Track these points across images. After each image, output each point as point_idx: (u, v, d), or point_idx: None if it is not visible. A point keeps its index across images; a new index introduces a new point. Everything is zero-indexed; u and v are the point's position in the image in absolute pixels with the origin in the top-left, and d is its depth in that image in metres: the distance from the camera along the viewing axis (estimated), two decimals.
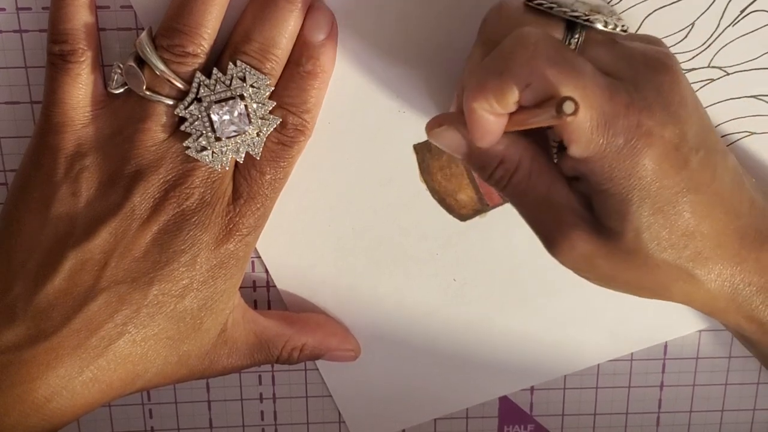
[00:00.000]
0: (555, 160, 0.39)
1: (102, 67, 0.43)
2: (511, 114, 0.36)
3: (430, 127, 0.40)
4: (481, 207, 0.47)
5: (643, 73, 0.36)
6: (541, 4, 0.37)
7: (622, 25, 0.37)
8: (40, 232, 0.42)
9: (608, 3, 0.43)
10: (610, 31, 0.37)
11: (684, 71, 0.44)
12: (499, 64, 0.35)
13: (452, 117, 0.39)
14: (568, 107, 0.33)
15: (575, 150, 0.36)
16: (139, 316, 0.42)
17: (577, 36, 0.37)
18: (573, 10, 0.36)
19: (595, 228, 0.38)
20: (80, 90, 0.42)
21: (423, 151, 0.46)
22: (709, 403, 0.53)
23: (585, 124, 0.35)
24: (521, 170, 0.39)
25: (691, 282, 0.38)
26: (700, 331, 0.51)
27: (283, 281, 0.49)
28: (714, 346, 0.52)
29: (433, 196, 0.47)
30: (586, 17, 0.36)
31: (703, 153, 0.37)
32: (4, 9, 0.43)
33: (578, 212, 0.38)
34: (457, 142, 0.40)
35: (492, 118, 0.36)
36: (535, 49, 0.35)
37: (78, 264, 0.41)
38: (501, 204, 0.47)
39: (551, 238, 0.39)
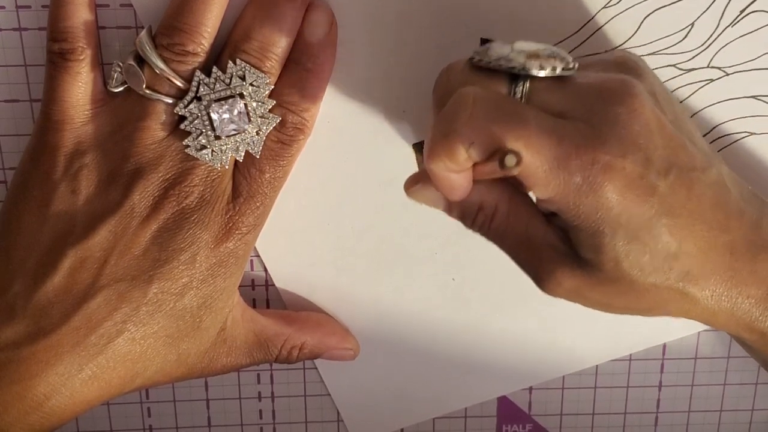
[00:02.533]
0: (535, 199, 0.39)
1: (102, 66, 0.43)
2: (473, 166, 0.37)
3: (408, 187, 0.41)
4: None
5: (596, 108, 0.36)
6: (480, 61, 0.38)
7: (565, 65, 0.37)
8: (40, 230, 0.42)
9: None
10: (549, 75, 0.37)
11: (681, 71, 0.44)
12: (443, 126, 0.36)
13: (425, 175, 0.39)
14: (509, 160, 0.34)
15: (537, 193, 0.36)
16: (139, 314, 0.42)
17: (521, 85, 0.37)
18: (509, 61, 0.37)
19: (576, 262, 0.38)
20: (80, 88, 0.42)
21: (423, 150, 0.46)
22: (707, 403, 0.53)
23: (537, 169, 0.35)
24: (499, 213, 0.39)
25: (687, 300, 0.38)
26: (699, 331, 0.51)
27: (282, 280, 0.49)
28: (712, 347, 0.52)
29: None
30: (522, 66, 0.37)
31: (674, 175, 0.36)
32: (3, 7, 0.43)
33: (558, 248, 0.38)
34: (434, 198, 0.40)
35: (453, 176, 0.37)
36: (473, 107, 0.35)
37: (77, 262, 0.41)
38: None
39: (538, 277, 0.39)
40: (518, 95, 0.37)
